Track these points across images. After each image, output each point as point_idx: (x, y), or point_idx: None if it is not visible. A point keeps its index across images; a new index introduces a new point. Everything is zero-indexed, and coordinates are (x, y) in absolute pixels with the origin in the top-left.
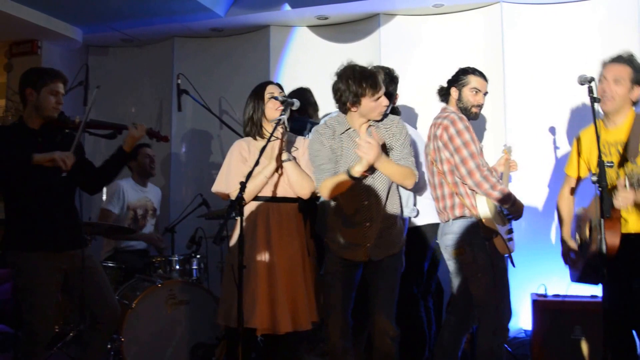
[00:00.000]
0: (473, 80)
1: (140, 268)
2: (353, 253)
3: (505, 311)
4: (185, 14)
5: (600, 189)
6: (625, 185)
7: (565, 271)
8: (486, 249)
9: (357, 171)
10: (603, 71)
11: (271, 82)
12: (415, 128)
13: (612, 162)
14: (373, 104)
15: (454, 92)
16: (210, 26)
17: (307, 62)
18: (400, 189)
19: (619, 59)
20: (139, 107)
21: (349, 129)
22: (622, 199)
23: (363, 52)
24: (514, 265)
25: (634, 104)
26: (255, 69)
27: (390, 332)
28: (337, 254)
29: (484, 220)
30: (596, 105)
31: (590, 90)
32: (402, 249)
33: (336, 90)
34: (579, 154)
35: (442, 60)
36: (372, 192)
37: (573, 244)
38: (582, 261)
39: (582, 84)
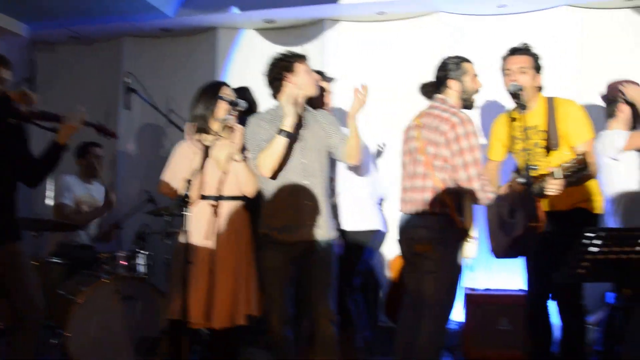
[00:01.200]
0: (469, 67)
1: (85, 263)
2: (295, 235)
3: (452, 311)
4: (135, 14)
5: (527, 190)
6: (553, 175)
7: (495, 266)
8: (455, 249)
9: (288, 123)
10: (506, 64)
11: (225, 84)
12: None
13: (537, 166)
14: (307, 76)
15: (454, 84)
16: (160, 26)
17: (254, 64)
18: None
19: (519, 50)
20: (87, 105)
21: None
22: (552, 188)
23: (309, 56)
24: (472, 270)
25: (539, 89)
26: (202, 69)
27: (331, 317)
28: (277, 239)
29: (466, 224)
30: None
31: (519, 98)
32: (335, 235)
33: (269, 73)
34: (497, 139)
35: (385, 66)
36: (311, 171)
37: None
38: (505, 239)
39: (513, 91)
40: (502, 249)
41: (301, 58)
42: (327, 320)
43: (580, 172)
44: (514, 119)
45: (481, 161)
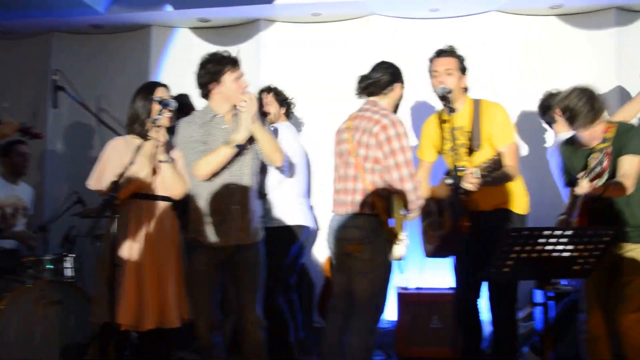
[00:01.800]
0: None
1: (9, 268)
2: (223, 239)
3: (382, 311)
4: (64, 9)
5: (455, 191)
6: (472, 174)
7: (427, 265)
8: (385, 250)
9: (239, 138)
10: (433, 66)
11: (161, 85)
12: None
13: (464, 167)
14: (234, 84)
15: (398, 88)
16: (90, 22)
17: (188, 63)
18: None
19: (445, 52)
20: (13, 103)
21: (215, 115)
22: (469, 186)
23: (243, 56)
24: (401, 272)
25: (465, 90)
26: (135, 68)
27: (258, 322)
28: (204, 242)
29: (394, 227)
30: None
31: (448, 100)
32: (262, 239)
33: (198, 76)
34: (427, 140)
35: (320, 66)
36: (238, 175)
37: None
38: (434, 238)
39: (442, 94)
40: (432, 249)
41: (230, 66)
42: (254, 325)
43: (495, 172)
44: (443, 121)
45: (413, 162)
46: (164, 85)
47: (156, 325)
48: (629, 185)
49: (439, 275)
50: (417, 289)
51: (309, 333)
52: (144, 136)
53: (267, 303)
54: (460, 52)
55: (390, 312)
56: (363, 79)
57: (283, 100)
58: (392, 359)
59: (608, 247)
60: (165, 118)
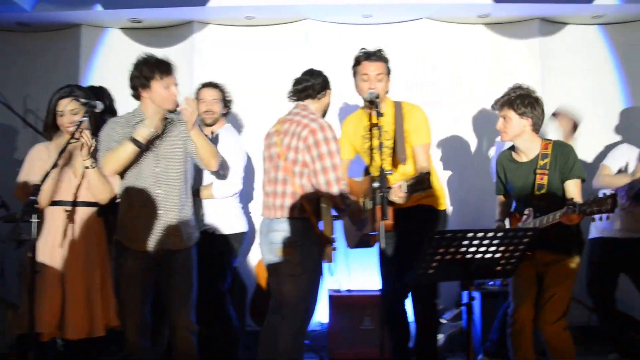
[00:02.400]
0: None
1: None
2: (149, 245)
3: (312, 313)
4: None
5: (381, 194)
6: (401, 188)
7: (357, 268)
8: (315, 254)
9: (142, 134)
10: (362, 69)
11: (80, 88)
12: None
13: (391, 170)
14: (164, 91)
15: (329, 95)
16: (16, 20)
17: (119, 64)
18: None
19: (374, 56)
20: None
21: (143, 119)
22: (397, 198)
23: (177, 58)
24: (331, 275)
25: (387, 92)
26: (64, 68)
27: (190, 328)
28: (132, 247)
29: (324, 230)
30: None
31: (376, 105)
32: (195, 243)
33: (131, 77)
34: (345, 138)
35: (254, 70)
36: (165, 180)
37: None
38: (357, 233)
39: (371, 98)
40: (355, 241)
41: (161, 73)
42: (185, 330)
43: (422, 188)
44: (373, 124)
45: (340, 166)
46: (82, 89)
47: (80, 334)
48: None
49: (369, 277)
50: (348, 291)
51: (241, 337)
52: (64, 139)
53: (216, 313)
54: (388, 55)
55: (322, 315)
56: (299, 82)
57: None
58: None
59: (528, 247)
60: (89, 120)
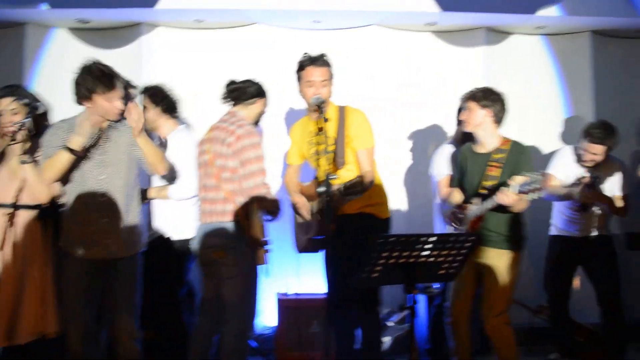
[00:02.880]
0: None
1: None
2: (92, 252)
3: (253, 314)
4: None
5: (327, 198)
6: (338, 190)
7: (307, 272)
8: (248, 255)
9: (76, 142)
10: (307, 74)
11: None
12: None
13: (336, 175)
14: (106, 104)
15: (261, 104)
16: None
17: (66, 65)
18: None
19: (319, 61)
20: None
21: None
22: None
23: (125, 60)
24: (267, 276)
25: (330, 97)
26: (7, 68)
27: (133, 335)
28: (76, 254)
29: (253, 232)
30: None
31: (322, 110)
32: (141, 250)
33: (74, 83)
34: (293, 145)
35: (202, 73)
36: (109, 187)
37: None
38: (305, 237)
39: (317, 104)
40: (303, 245)
41: (104, 87)
42: (128, 336)
43: (359, 191)
44: (320, 129)
45: (266, 171)
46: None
47: (12, 341)
48: (525, 205)
49: (319, 280)
50: (297, 294)
51: None
52: (4, 141)
53: (171, 319)
54: (331, 60)
55: (271, 318)
56: (232, 83)
57: (160, 101)
58: None
59: (471, 251)
60: (28, 121)
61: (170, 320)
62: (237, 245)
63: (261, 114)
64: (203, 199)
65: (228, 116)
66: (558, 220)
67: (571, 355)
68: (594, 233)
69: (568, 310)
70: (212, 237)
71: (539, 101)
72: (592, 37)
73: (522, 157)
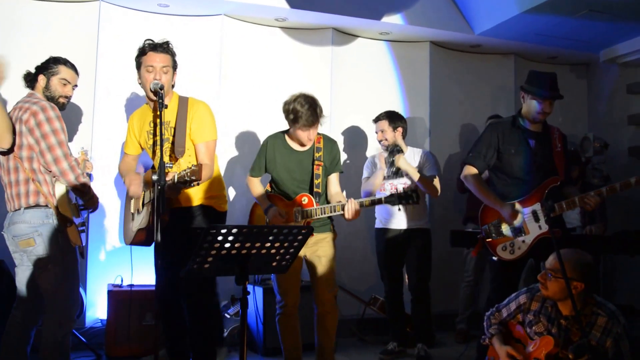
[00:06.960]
0: (63, 71)
1: None
2: None
3: (73, 302)
4: None
5: (159, 187)
6: (173, 180)
7: (141, 263)
8: (58, 240)
9: None
10: (148, 60)
11: None
12: None
13: (172, 164)
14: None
15: (42, 79)
16: None
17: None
18: None
19: (161, 48)
20: None
21: None
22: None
23: (80, 40)
24: (83, 257)
25: (173, 86)
26: None
27: None
28: None
29: (60, 209)
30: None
31: (160, 96)
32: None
33: None
34: (131, 134)
35: (40, 49)
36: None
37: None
38: (132, 229)
39: (156, 89)
40: (131, 238)
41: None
42: None
43: (193, 181)
44: (157, 116)
45: (67, 143)
46: None
47: None
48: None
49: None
50: (130, 286)
51: None
52: None
53: None
54: (175, 48)
55: (102, 311)
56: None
57: None
58: (102, 359)
59: (303, 244)
60: None
61: None
62: (44, 231)
63: (56, 93)
64: (6, 183)
65: (27, 97)
66: (382, 214)
67: (406, 345)
68: (413, 226)
69: (402, 302)
70: (17, 226)
71: (381, 102)
72: (431, 47)
73: (332, 153)
